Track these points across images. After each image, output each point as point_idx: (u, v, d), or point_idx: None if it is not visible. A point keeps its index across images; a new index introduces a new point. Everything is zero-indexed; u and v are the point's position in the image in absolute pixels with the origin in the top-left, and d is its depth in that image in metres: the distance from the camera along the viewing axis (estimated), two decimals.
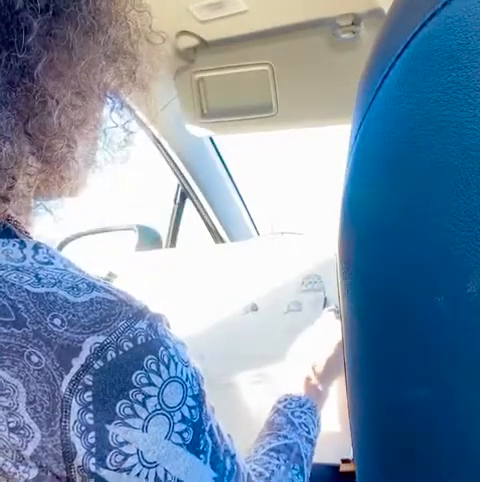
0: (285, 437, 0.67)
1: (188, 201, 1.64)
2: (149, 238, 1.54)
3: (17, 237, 0.47)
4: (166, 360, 0.43)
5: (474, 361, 0.22)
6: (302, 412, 0.72)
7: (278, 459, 0.63)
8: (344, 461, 0.84)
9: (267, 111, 1.13)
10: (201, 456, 0.44)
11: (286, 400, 0.74)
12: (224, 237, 1.66)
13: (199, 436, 0.44)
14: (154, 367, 0.42)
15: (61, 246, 1.49)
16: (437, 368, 0.24)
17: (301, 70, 1.07)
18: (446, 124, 0.22)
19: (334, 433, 0.76)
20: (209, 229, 1.65)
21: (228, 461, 0.47)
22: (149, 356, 0.42)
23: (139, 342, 0.42)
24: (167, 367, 0.42)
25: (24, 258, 0.45)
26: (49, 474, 0.41)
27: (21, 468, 0.40)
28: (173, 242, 1.68)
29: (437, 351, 0.23)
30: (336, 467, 0.84)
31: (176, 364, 0.43)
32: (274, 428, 0.69)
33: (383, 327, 0.26)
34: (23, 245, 0.46)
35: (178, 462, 0.42)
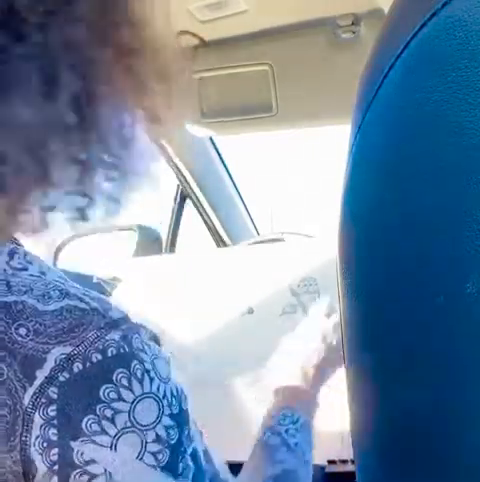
0: (282, 462, 0.64)
1: (188, 201, 1.65)
2: (149, 238, 1.54)
3: None
4: (139, 375, 0.40)
5: (474, 361, 0.22)
6: (295, 429, 0.68)
7: None
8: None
9: (267, 111, 1.13)
10: (180, 479, 0.41)
11: (278, 416, 0.70)
12: (224, 237, 1.66)
13: (177, 458, 0.41)
14: (125, 382, 0.39)
15: (60, 247, 1.49)
16: (437, 368, 0.24)
17: (301, 70, 1.07)
18: (446, 124, 0.22)
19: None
20: (209, 229, 1.66)
21: None
22: (119, 369, 0.39)
23: (109, 354, 0.39)
24: (140, 382, 0.40)
25: None
26: None
27: None
28: (173, 242, 1.68)
29: (437, 351, 0.23)
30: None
31: (152, 380, 0.40)
32: (270, 451, 0.66)
33: (383, 327, 0.26)
34: None
35: None
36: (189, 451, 0.42)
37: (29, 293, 0.41)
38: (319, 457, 0.80)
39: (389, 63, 0.25)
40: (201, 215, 1.63)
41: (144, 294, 1.09)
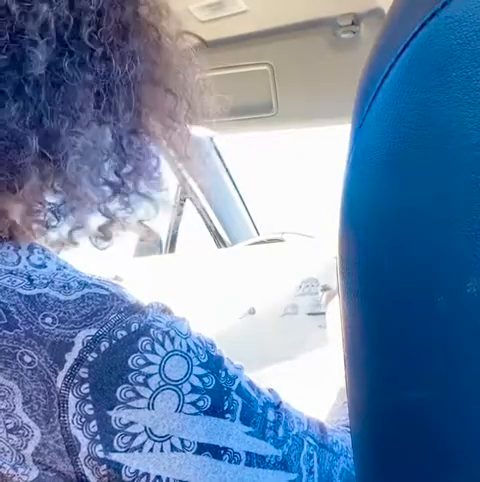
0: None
1: (188, 201, 1.64)
2: (149, 238, 1.54)
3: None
4: (160, 338, 0.43)
5: (474, 361, 0.22)
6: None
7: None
8: None
9: (267, 111, 1.13)
10: (227, 415, 0.44)
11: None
12: (224, 237, 1.66)
13: (221, 399, 0.44)
14: (149, 347, 0.42)
15: (60, 247, 1.48)
16: (437, 368, 0.24)
17: (301, 70, 1.07)
18: (446, 124, 0.22)
19: None
20: (209, 229, 1.65)
21: (271, 412, 0.47)
22: (142, 338, 0.42)
23: (133, 329, 0.42)
24: (162, 344, 0.42)
25: (19, 260, 0.45)
26: (52, 474, 0.41)
27: (20, 470, 0.40)
28: (173, 242, 1.68)
29: (437, 351, 0.23)
30: None
31: (172, 339, 0.43)
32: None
33: (383, 327, 0.26)
34: (18, 247, 0.47)
35: (195, 428, 0.42)
36: (234, 388, 0.45)
37: (50, 285, 0.43)
38: None
39: (389, 63, 0.25)
40: (201, 215, 1.63)
41: (144, 294, 1.09)
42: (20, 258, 0.46)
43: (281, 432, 0.47)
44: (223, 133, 1.28)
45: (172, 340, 0.43)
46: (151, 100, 0.51)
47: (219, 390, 0.44)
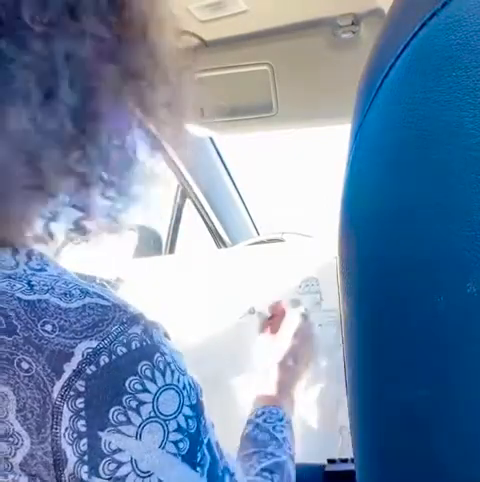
0: (273, 455, 0.66)
1: (188, 201, 1.64)
2: (149, 238, 1.54)
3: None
4: (162, 367, 0.42)
5: (474, 361, 0.22)
6: (282, 426, 0.71)
7: (272, 480, 0.62)
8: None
9: (267, 111, 1.13)
10: (198, 469, 0.43)
11: (264, 414, 0.73)
12: (224, 237, 1.66)
13: (196, 448, 0.43)
14: (149, 373, 0.41)
15: (60, 247, 1.48)
16: (437, 368, 0.24)
17: (301, 70, 1.07)
18: (446, 124, 0.22)
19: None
20: (209, 229, 1.66)
21: (227, 479, 0.46)
22: (144, 362, 0.41)
23: (133, 347, 0.41)
24: (163, 374, 0.42)
25: (17, 265, 0.44)
26: (39, 481, 0.39)
27: (10, 477, 0.39)
28: (173, 242, 1.68)
29: (437, 351, 0.23)
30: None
31: (172, 372, 0.42)
32: (259, 445, 0.68)
33: (383, 327, 0.26)
34: (16, 252, 0.45)
35: (173, 472, 0.41)
36: (205, 441, 0.44)
37: (51, 292, 0.42)
38: (319, 456, 0.80)
39: (389, 63, 0.25)
40: (201, 215, 1.63)
41: (145, 295, 1.09)
42: (18, 263, 0.45)
43: None
44: (223, 133, 1.28)
45: (172, 373, 0.42)
46: (107, 82, 0.46)
47: (197, 438, 0.43)
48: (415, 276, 0.24)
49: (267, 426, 0.70)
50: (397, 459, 0.26)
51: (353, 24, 0.98)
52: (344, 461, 0.84)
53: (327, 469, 0.84)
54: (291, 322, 0.90)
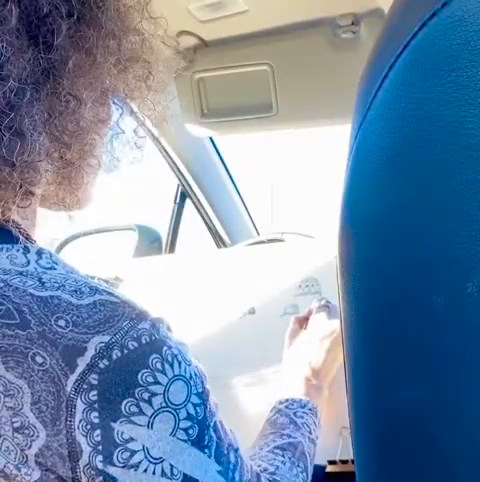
0: (289, 436, 0.68)
1: (188, 201, 1.65)
2: (149, 238, 1.54)
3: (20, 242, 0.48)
4: (170, 359, 0.43)
5: (474, 361, 0.22)
6: (304, 412, 0.73)
7: (283, 456, 0.64)
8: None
9: (267, 111, 1.13)
10: (206, 451, 0.45)
11: (287, 401, 0.75)
12: (224, 237, 1.66)
13: (204, 432, 0.45)
14: (159, 366, 0.42)
15: (61, 247, 1.48)
16: (437, 368, 0.24)
17: (301, 70, 1.07)
18: (446, 124, 0.22)
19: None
20: (209, 229, 1.66)
21: (232, 455, 0.48)
22: (154, 355, 0.42)
23: (143, 341, 0.42)
24: (171, 366, 0.43)
25: (28, 263, 0.46)
26: (52, 476, 0.41)
27: (23, 470, 0.40)
28: (173, 242, 1.68)
29: (437, 351, 0.23)
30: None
31: (180, 363, 0.44)
32: (277, 427, 0.70)
33: (383, 327, 0.26)
34: (27, 250, 0.47)
35: (183, 457, 0.43)
36: (212, 424, 0.46)
37: (62, 289, 0.44)
38: (319, 457, 0.80)
39: (389, 63, 0.25)
40: (201, 215, 1.63)
41: (145, 295, 1.09)
42: (29, 261, 0.46)
43: (237, 476, 0.48)
44: (223, 133, 1.28)
45: (179, 364, 0.44)
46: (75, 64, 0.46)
47: (204, 422, 0.45)
48: (415, 276, 0.24)
49: (288, 411, 0.73)
50: (397, 460, 0.26)
51: (353, 24, 0.98)
52: (344, 462, 0.84)
53: (327, 470, 0.84)
54: (317, 320, 0.89)
